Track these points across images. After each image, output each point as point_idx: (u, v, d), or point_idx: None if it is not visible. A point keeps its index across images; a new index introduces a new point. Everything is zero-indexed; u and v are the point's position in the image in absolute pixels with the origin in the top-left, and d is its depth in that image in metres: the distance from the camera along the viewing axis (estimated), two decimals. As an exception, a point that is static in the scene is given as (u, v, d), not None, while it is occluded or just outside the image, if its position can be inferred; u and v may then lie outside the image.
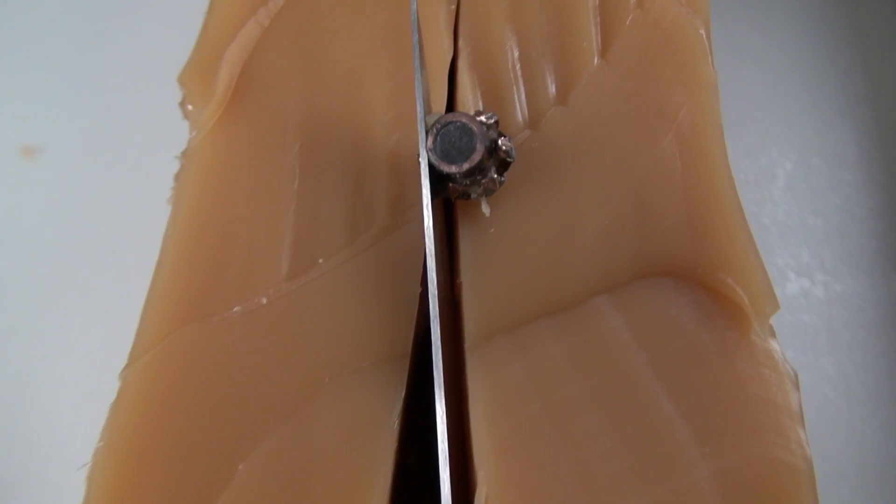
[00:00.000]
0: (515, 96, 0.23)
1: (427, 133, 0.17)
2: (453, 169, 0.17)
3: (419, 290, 0.20)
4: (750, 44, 0.33)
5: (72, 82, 0.30)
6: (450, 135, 0.17)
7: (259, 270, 0.21)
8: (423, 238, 0.16)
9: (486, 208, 0.21)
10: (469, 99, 0.22)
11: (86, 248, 0.28)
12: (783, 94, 0.31)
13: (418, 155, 0.17)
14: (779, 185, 0.29)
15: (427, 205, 0.16)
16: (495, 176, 0.19)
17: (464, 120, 0.17)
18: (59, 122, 0.30)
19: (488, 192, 0.20)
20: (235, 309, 0.20)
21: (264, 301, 0.20)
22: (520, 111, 0.23)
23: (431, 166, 0.17)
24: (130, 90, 0.30)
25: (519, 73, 0.23)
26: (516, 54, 0.23)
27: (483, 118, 0.19)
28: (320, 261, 0.21)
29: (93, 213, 0.28)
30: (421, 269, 0.20)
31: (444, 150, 0.17)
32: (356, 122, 0.22)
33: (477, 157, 0.17)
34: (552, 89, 0.23)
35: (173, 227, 0.21)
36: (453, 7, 0.23)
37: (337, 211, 0.22)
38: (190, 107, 0.23)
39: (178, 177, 0.22)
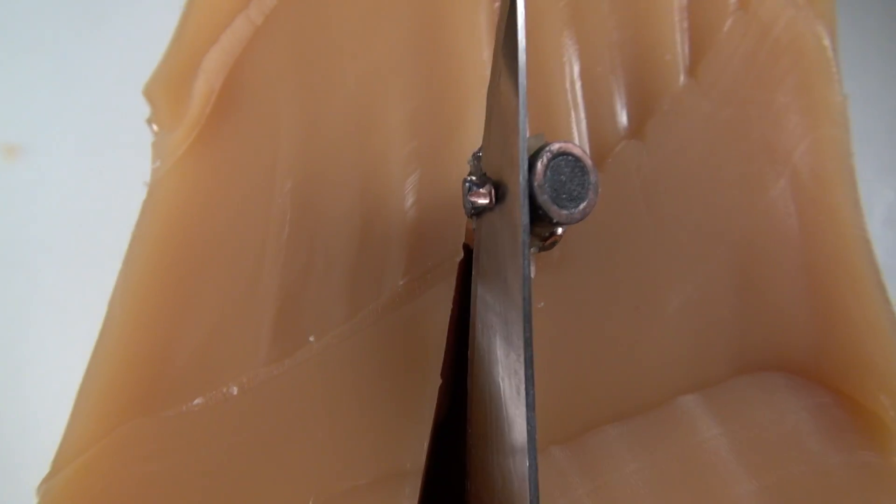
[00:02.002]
0: (574, 125, 0.22)
1: (532, 163, 0.16)
2: (563, 215, 0.16)
3: (440, 381, 0.19)
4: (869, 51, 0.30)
5: (58, 78, 0.32)
6: (560, 169, 0.16)
7: (231, 349, 0.20)
8: (514, 311, 0.15)
9: (531, 270, 0.20)
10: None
11: (70, 255, 0.29)
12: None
13: (475, 191, 0.16)
14: (877, 219, 0.29)
15: (525, 267, 0.14)
16: (559, 231, 0.18)
17: (576, 152, 0.16)
18: (44, 120, 0.31)
19: (540, 251, 0.19)
20: (196, 401, 0.20)
21: (235, 391, 0.20)
22: (578, 144, 0.21)
23: (538, 210, 0.16)
24: (121, 87, 0.29)
25: (579, 94, 0.22)
26: (576, 69, 0.23)
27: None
28: (311, 339, 0.20)
29: (78, 217, 0.30)
30: (443, 354, 0.20)
31: (554, 190, 0.16)
32: (366, 154, 0.22)
33: (592, 202, 0.16)
34: (622, 117, 0.22)
35: (123, 286, 0.21)
36: (497, 5, 0.22)
37: (336, 272, 0.21)
38: (155, 128, 0.22)
39: (139, 220, 0.22)
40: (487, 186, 0.16)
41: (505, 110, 0.15)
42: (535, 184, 0.16)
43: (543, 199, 0.16)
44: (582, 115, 0.22)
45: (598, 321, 0.20)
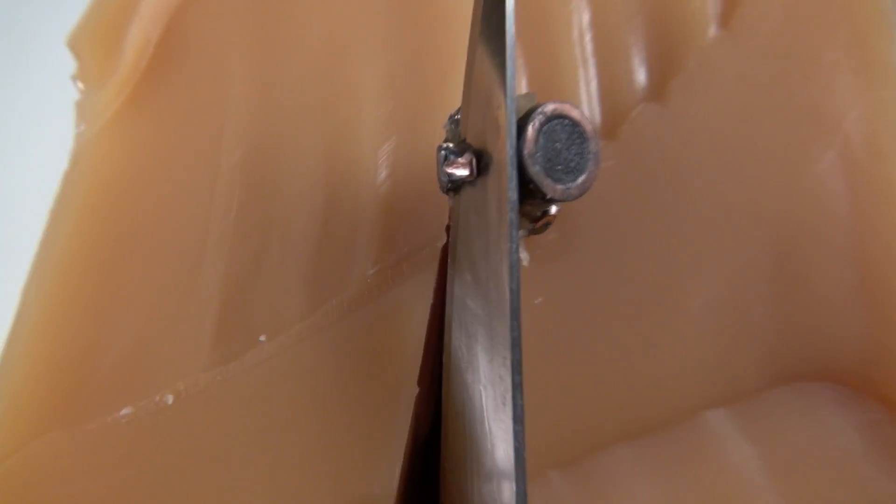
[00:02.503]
0: (581, 85, 0.21)
1: (522, 127, 0.15)
2: (558, 190, 0.15)
3: (417, 390, 0.19)
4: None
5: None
6: (555, 135, 0.16)
7: (166, 350, 0.20)
8: (501, 302, 0.14)
9: (524, 257, 0.20)
10: None
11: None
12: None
13: (475, 162, 0.16)
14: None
15: (513, 252, 0.14)
16: (553, 210, 0.17)
17: (574, 115, 0.16)
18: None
19: (531, 233, 0.19)
20: (124, 411, 0.19)
21: (170, 400, 0.19)
22: (588, 108, 0.21)
23: (528, 183, 0.15)
24: (41, 37, 0.28)
25: (588, 46, 0.22)
26: (585, 17, 0.22)
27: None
28: (262, 338, 0.19)
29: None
30: (421, 358, 0.19)
31: (548, 160, 0.16)
32: (332, 119, 0.21)
33: (592, 174, 0.16)
34: (640, 76, 0.21)
35: (39, 275, 0.20)
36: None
37: (293, 260, 0.20)
38: (81, 85, 0.22)
39: (58, 196, 0.21)
40: (467, 155, 0.16)
41: (488, 63, 0.15)
42: (525, 152, 0.15)
43: (535, 170, 0.15)
44: (592, 72, 0.22)
45: (607, 320, 0.20)
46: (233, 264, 0.20)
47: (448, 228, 0.20)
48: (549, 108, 0.15)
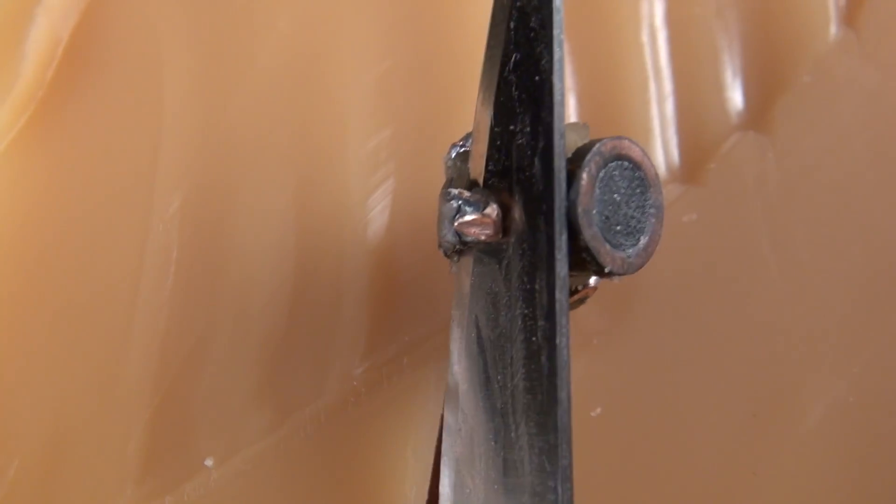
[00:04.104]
0: (654, 106, 0.20)
1: (573, 173, 0.14)
2: (618, 260, 0.14)
3: None
4: None
5: None
6: (613, 184, 0.15)
7: (73, 475, 0.18)
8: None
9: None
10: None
11: None
12: None
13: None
14: None
15: (562, 349, 0.13)
16: (592, 282, 0.16)
17: (635, 155, 0.15)
18: None
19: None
20: None
21: None
22: (661, 141, 0.20)
23: (581, 252, 0.14)
24: None
25: (664, 53, 0.21)
26: (660, 12, 0.21)
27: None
28: (208, 462, 0.18)
29: None
30: (429, 485, 0.18)
31: (605, 219, 0.14)
32: (305, 150, 0.20)
33: (657, 234, 0.15)
34: (735, 93, 0.20)
35: None
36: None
37: (251, 351, 0.19)
38: None
39: None
40: (492, 207, 0.14)
41: (523, 72, 0.14)
42: (580, 209, 0.13)
43: (591, 233, 0.14)
44: (667, 88, 0.21)
45: (689, 439, 0.19)
46: (168, 357, 0.18)
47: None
48: (609, 146, 0.14)
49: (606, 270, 0.14)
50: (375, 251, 0.19)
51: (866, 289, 0.20)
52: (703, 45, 0.21)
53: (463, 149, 0.15)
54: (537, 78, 0.13)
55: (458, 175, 0.15)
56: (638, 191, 0.14)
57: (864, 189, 0.20)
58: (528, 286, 0.13)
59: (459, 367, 0.15)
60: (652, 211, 0.15)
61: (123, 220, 0.19)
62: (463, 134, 0.17)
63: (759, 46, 0.21)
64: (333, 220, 0.19)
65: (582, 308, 0.18)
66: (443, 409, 0.18)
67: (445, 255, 0.15)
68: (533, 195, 0.13)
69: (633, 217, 0.14)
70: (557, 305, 0.13)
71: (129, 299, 0.19)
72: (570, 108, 0.21)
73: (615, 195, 0.14)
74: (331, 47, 0.20)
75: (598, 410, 0.19)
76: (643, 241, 0.15)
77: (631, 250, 0.14)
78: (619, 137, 0.14)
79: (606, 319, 0.19)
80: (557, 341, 0.13)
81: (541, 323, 0.13)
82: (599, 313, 0.20)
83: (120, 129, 0.20)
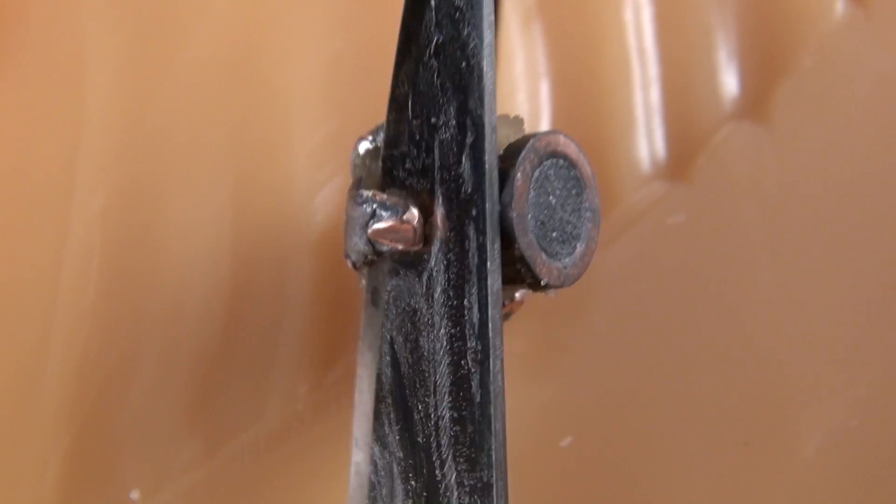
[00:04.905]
0: (637, 92, 0.19)
1: (506, 172, 0.13)
2: (554, 271, 0.13)
3: None
4: None
5: None
6: (548, 185, 0.14)
7: None
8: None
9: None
10: (522, 92, 0.20)
11: None
12: None
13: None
14: None
15: (496, 374, 0.12)
16: (518, 295, 0.15)
17: (571, 152, 0.14)
18: None
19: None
20: None
21: None
22: (646, 130, 0.19)
23: (516, 263, 0.13)
24: None
25: (649, 32, 0.20)
26: None
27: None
28: (133, 495, 0.17)
29: None
30: None
31: (541, 224, 0.13)
32: (244, 145, 0.18)
33: (593, 242, 0.14)
34: (730, 79, 0.20)
35: None
36: None
37: (181, 371, 0.18)
38: None
39: None
40: (412, 211, 0.13)
41: (444, 56, 0.13)
42: (514, 213, 0.13)
43: (526, 241, 0.13)
44: (652, 72, 0.20)
45: (672, 470, 0.18)
46: (89, 376, 0.17)
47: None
48: (543, 141, 0.13)
49: (543, 283, 0.13)
50: (323, 257, 0.18)
51: (873, 301, 0.19)
52: (693, 24, 0.20)
53: (373, 144, 0.14)
54: (464, 64, 0.13)
55: (367, 174, 0.14)
56: (574, 192, 0.14)
57: (873, 187, 0.19)
58: (454, 302, 0.12)
59: (370, 396, 0.14)
60: (588, 215, 0.14)
61: (39, 223, 0.18)
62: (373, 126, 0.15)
63: (756, 25, 0.20)
64: (275, 222, 0.19)
65: (551, 324, 0.18)
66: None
67: (354, 266, 0.14)
68: (460, 198, 0.13)
69: (568, 222, 0.14)
70: (491, 324, 0.12)
71: (44, 312, 0.18)
72: (543, 95, 0.20)
73: (550, 197, 0.13)
74: (271, 30, 0.20)
75: (569, 440, 0.18)
76: (580, 248, 0.14)
77: (567, 259, 0.13)
78: (555, 132, 0.14)
79: (578, 336, 0.19)
80: (491, 365, 0.12)
81: (471, 344, 0.12)
82: (570, 329, 0.19)
83: (36, 121, 0.19)
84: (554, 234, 0.13)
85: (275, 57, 0.20)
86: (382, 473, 0.14)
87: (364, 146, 0.14)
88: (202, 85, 0.19)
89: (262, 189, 0.19)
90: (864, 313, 0.19)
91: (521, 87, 0.20)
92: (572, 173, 0.14)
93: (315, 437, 0.18)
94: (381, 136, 0.14)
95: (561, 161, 0.13)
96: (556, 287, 0.14)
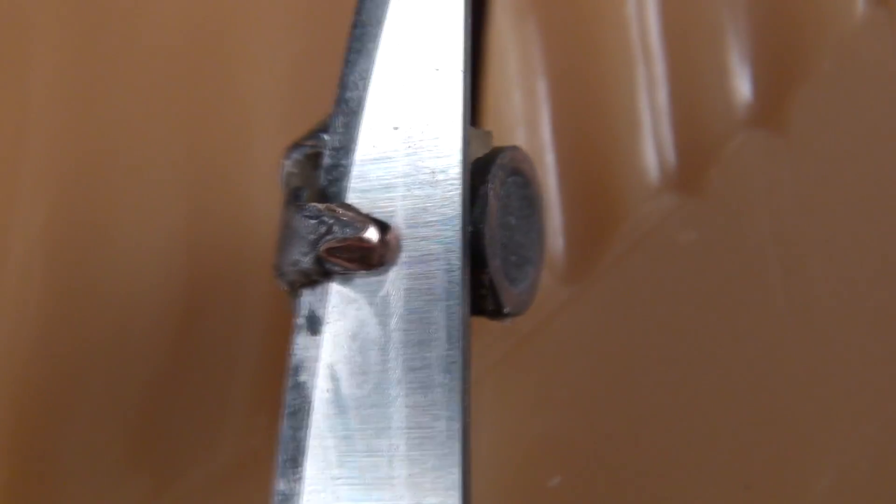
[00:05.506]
0: (643, 96, 0.18)
1: (475, 189, 0.12)
2: (513, 297, 0.12)
3: None
4: None
5: None
6: (511, 205, 0.13)
7: None
8: None
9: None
10: (517, 91, 0.19)
11: None
12: None
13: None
14: None
15: (465, 416, 0.11)
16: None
17: (526, 168, 0.13)
18: None
19: None
20: None
21: None
22: (652, 139, 0.18)
23: (480, 288, 0.12)
24: None
25: (655, 32, 0.19)
26: None
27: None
28: None
29: None
30: None
31: (504, 247, 0.13)
32: (198, 149, 0.18)
33: (541, 264, 0.14)
34: (743, 83, 0.18)
35: None
36: None
37: (125, 401, 0.17)
38: None
39: None
40: (372, 229, 0.12)
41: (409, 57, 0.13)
42: (487, 235, 0.12)
43: (495, 265, 0.12)
44: (658, 72, 0.19)
45: None
46: (27, 408, 0.17)
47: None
48: (508, 157, 0.12)
49: (505, 311, 0.12)
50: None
51: (894, 327, 0.18)
52: (701, 23, 0.19)
53: (313, 150, 0.13)
54: (436, 69, 0.12)
55: (307, 184, 0.13)
56: (527, 213, 0.13)
57: (896, 200, 0.18)
58: (415, 330, 0.11)
59: (302, 434, 0.12)
60: (535, 237, 0.13)
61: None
62: (306, 130, 0.14)
63: (770, 26, 0.19)
64: (232, 237, 0.18)
65: (542, 352, 0.17)
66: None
67: (289, 287, 0.12)
68: (428, 217, 0.12)
69: (522, 245, 0.13)
70: (462, 355, 0.11)
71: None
72: (540, 96, 0.19)
73: (510, 218, 0.12)
74: (231, 25, 0.19)
75: (557, 480, 0.17)
76: (532, 274, 0.13)
77: (522, 285, 0.12)
78: (514, 147, 0.13)
79: (571, 367, 0.18)
80: (461, 399, 0.11)
81: (438, 378, 0.11)
82: (562, 359, 0.18)
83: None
84: (513, 258, 0.13)
85: (234, 54, 0.19)
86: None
87: (299, 152, 0.13)
88: (154, 83, 0.19)
89: (219, 199, 0.18)
90: (883, 343, 0.18)
91: (516, 87, 0.19)
92: (526, 192, 0.13)
93: (272, 476, 0.17)
94: (322, 142, 0.13)
95: (519, 179, 0.13)
96: (514, 316, 0.12)
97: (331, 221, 0.11)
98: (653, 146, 0.19)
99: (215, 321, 0.18)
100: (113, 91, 0.19)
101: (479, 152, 0.13)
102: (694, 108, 0.19)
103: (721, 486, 0.18)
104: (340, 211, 0.12)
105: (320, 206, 0.12)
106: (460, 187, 0.11)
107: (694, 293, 0.18)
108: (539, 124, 0.19)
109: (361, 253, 0.11)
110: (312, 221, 0.12)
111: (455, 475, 0.12)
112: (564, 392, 0.18)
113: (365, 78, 0.13)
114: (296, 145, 0.13)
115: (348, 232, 0.11)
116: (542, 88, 0.19)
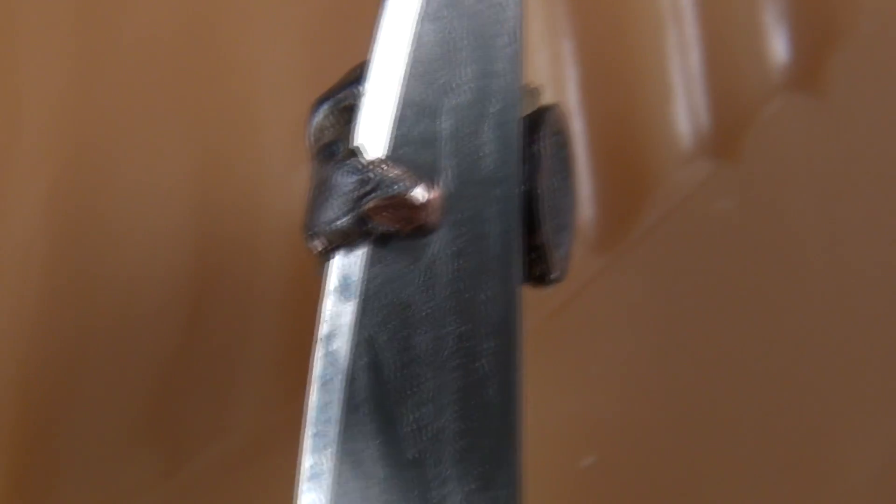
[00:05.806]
0: (674, 58, 0.18)
1: (528, 148, 0.12)
2: (557, 263, 0.12)
3: None
4: None
5: None
6: (556, 165, 0.13)
7: None
8: None
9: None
10: (542, 53, 0.19)
11: None
12: None
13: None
14: None
15: (518, 407, 0.11)
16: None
17: (566, 129, 0.13)
18: None
19: None
20: None
21: None
22: (684, 101, 0.18)
23: (530, 252, 0.12)
24: None
25: None
26: None
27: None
28: None
29: None
30: None
31: (552, 208, 0.12)
32: (207, 111, 0.17)
33: (574, 231, 0.14)
34: (779, 44, 0.18)
35: None
36: None
37: (135, 382, 0.16)
38: None
39: None
40: (422, 186, 0.11)
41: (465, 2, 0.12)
42: (541, 195, 0.12)
43: (548, 227, 0.12)
44: (691, 33, 0.18)
45: (708, 494, 0.17)
46: (31, 387, 0.16)
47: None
48: (555, 115, 0.12)
49: (552, 277, 0.12)
50: (299, 248, 0.17)
51: None
52: None
53: (345, 102, 0.12)
54: (490, 17, 0.11)
55: (341, 138, 0.12)
56: (564, 174, 0.12)
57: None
58: (466, 295, 0.11)
59: (338, 407, 0.11)
60: (571, 201, 0.13)
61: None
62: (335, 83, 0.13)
63: None
64: (246, 203, 0.17)
65: (574, 326, 0.17)
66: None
67: (324, 248, 0.11)
68: (480, 175, 0.11)
69: (561, 209, 0.12)
70: (517, 321, 0.11)
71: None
72: (566, 58, 0.19)
73: (554, 179, 0.12)
74: (238, 5, 0.19)
75: (591, 460, 0.17)
76: (568, 240, 0.12)
77: (562, 251, 0.12)
78: (555, 104, 0.12)
79: (606, 341, 0.18)
80: (515, 368, 0.11)
81: (487, 345, 0.11)
82: (596, 333, 0.18)
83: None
84: (556, 222, 0.12)
85: (238, 18, 0.18)
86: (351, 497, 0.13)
87: (328, 105, 0.12)
88: (155, 56, 0.18)
89: (228, 173, 0.18)
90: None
91: (542, 48, 0.18)
92: (564, 153, 0.12)
93: (291, 453, 0.17)
94: (357, 93, 0.12)
95: (560, 139, 0.12)
96: (556, 282, 0.12)
97: (376, 178, 0.11)
98: (686, 110, 0.18)
99: (227, 295, 0.17)
100: (117, 76, 0.19)
101: (526, 110, 0.12)
102: (728, 71, 0.18)
103: (761, 466, 0.17)
104: (386, 167, 0.11)
105: (363, 160, 0.11)
106: (515, 144, 0.11)
107: (731, 263, 0.18)
108: (566, 88, 0.18)
109: (409, 212, 0.11)
110: (355, 177, 0.11)
111: (506, 451, 0.11)
112: (598, 367, 0.18)
113: (406, 25, 0.13)
114: (323, 100, 0.12)
115: (396, 189, 0.11)
116: (567, 50, 0.19)
